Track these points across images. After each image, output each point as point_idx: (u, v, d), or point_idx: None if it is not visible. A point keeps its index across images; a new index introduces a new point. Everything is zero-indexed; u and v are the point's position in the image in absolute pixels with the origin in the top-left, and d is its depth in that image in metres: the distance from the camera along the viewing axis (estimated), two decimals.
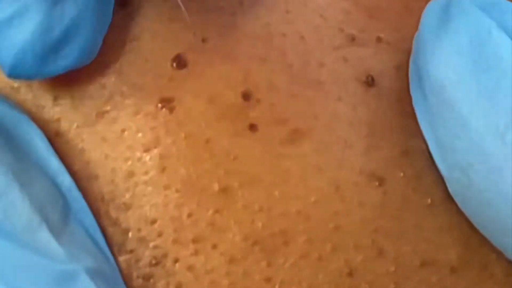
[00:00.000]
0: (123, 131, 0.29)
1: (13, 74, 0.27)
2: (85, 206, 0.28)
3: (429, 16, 0.27)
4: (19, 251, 0.24)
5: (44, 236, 0.24)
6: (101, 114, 0.29)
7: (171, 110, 0.29)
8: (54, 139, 0.29)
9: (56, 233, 0.25)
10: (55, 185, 0.27)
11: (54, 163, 0.27)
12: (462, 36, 0.25)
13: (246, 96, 0.29)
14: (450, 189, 0.28)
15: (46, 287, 0.23)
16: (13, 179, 0.25)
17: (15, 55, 0.26)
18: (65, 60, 0.27)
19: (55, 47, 0.27)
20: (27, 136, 0.27)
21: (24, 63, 0.26)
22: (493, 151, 0.24)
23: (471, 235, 0.29)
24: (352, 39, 0.30)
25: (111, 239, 0.28)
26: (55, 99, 0.29)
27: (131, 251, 0.28)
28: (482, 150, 0.25)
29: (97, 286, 0.24)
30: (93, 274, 0.25)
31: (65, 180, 0.28)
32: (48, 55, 0.27)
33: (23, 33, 0.26)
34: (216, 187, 0.28)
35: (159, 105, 0.29)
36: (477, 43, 0.25)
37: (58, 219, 0.26)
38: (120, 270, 0.28)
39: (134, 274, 0.28)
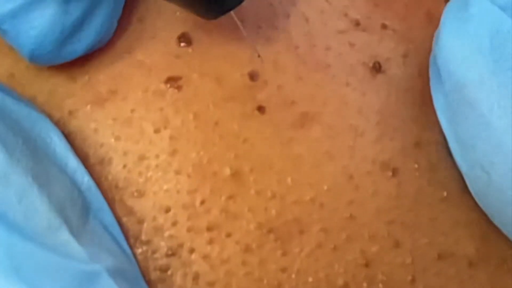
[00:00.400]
0: (132, 111, 0.29)
1: (33, 58, 0.28)
2: (104, 205, 0.28)
3: (449, 16, 0.27)
4: (41, 252, 0.23)
5: (65, 237, 0.24)
6: (110, 93, 0.29)
7: (178, 88, 0.29)
8: (68, 118, 0.29)
9: (76, 233, 0.25)
10: (74, 184, 0.27)
11: (72, 162, 0.27)
12: (482, 36, 0.26)
13: (253, 77, 0.30)
14: (469, 186, 0.28)
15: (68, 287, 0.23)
16: (33, 180, 0.25)
17: (35, 40, 0.27)
18: (83, 43, 0.28)
19: (73, 31, 0.27)
20: (45, 135, 0.27)
21: (43, 47, 0.27)
22: None
23: (489, 230, 0.29)
24: (357, 24, 0.31)
25: (127, 230, 0.28)
26: (68, 79, 0.30)
27: (147, 242, 0.28)
28: (503, 149, 0.25)
29: (118, 285, 0.24)
30: (114, 273, 0.24)
31: (84, 179, 0.27)
32: (66, 39, 0.27)
33: (42, 18, 0.27)
34: (227, 171, 0.28)
35: (167, 84, 0.29)
36: (498, 42, 0.25)
37: (78, 219, 0.26)
38: (138, 263, 0.28)
39: (151, 266, 0.28)
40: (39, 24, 0.27)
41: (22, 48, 0.27)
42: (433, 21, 0.31)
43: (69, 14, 0.27)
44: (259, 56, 0.29)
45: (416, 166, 0.29)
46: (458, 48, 0.26)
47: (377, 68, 0.30)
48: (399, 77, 0.30)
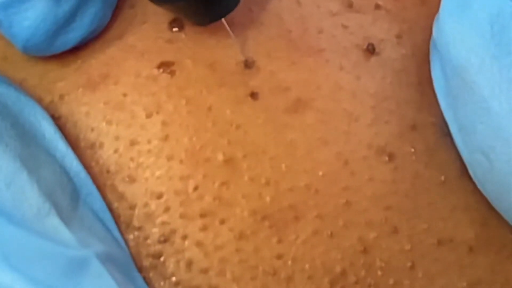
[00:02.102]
0: (124, 95, 0.29)
1: (26, 49, 0.28)
2: (94, 190, 0.27)
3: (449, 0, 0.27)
4: (30, 238, 0.23)
5: (54, 222, 0.24)
6: (102, 78, 0.29)
7: (171, 74, 0.29)
8: (59, 102, 0.29)
9: (66, 218, 0.24)
10: (63, 170, 0.27)
11: (62, 147, 0.27)
12: (483, 20, 0.25)
13: (246, 62, 0.29)
14: (470, 171, 0.27)
15: (57, 274, 0.23)
16: (22, 165, 0.24)
17: (28, 31, 0.27)
18: (76, 34, 0.28)
19: (66, 22, 0.27)
20: (34, 119, 0.27)
21: (36, 38, 0.27)
22: None
23: (489, 215, 0.29)
24: (350, 5, 0.31)
25: (118, 215, 0.28)
26: (60, 63, 0.29)
27: (139, 228, 0.27)
28: (503, 133, 0.25)
29: (108, 270, 0.24)
30: (104, 259, 0.24)
31: (73, 164, 0.27)
32: (59, 29, 0.27)
33: (35, 9, 0.27)
34: (220, 157, 0.28)
35: (160, 69, 0.29)
36: (499, 26, 0.25)
37: (68, 204, 0.26)
38: (129, 249, 0.27)
39: (143, 253, 0.27)
40: (32, 15, 0.27)
41: (15, 39, 0.27)
42: (426, 0, 0.31)
43: (62, 5, 0.27)
44: (246, 61, 0.29)
45: (412, 150, 0.29)
46: (459, 32, 0.26)
47: (370, 50, 0.30)
48: (393, 58, 0.30)
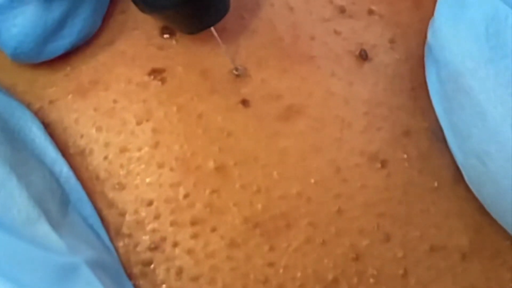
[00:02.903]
0: (115, 101, 0.29)
1: (16, 56, 0.27)
2: (84, 196, 0.27)
3: (444, 3, 0.27)
4: (19, 244, 0.23)
5: (44, 229, 0.24)
6: (92, 84, 0.29)
7: (162, 81, 0.29)
8: (48, 107, 0.29)
9: (55, 224, 0.24)
10: (53, 175, 0.27)
11: (51, 153, 0.27)
12: (478, 24, 0.25)
13: (236, 70, 0.29)
14: (465, 176, 0.27)
15: (47, 280, 0.23)
16: (11, 170, 0.24)
17: (16, 38, 0.27)
18: (65, 41, 0.28)
19: (55, 29, 0.27)
20: (24, 125, 0.27)
21: (25, 45, 0.27)
22: (510, 139, 0.24)
23: (482, 221, 0.28)
24: (342, 10, 0.30)
25: (107, 222, 0.27)
26: (49, 69, 0.29)
27: (129, 235, 0.27)
28: (499, 138, 0.24)
29: (98, 277, 0.24)
30: (94, 265, 0.24)
31: (63, 170, 0.27)
32: (48, 37, 0.27)
33: (24, 16, 0.26)
34: (211, 165, 0.28)
35: (151, 76, 0.29)
36: (494, 30, 0.25)
37: (57, 210, 0.25)
38: (119, 256, 0.27)
39: (133, 260, 0.27)
40: (21, 22, 0.27)
41: (4, 46, 0.27)
42: (420, 4, 0.30)
43: (51, 12, 0.27)
44: (236, 69, 0.29)
45: (405, 156, 0.29)
46: (454, 35, 0.26)
47: (363, 56, 0.30)
48: (386, 63, 0.30)
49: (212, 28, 0.28)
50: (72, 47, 0.28)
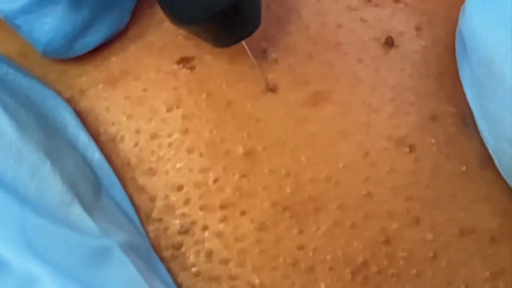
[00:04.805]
0: (145, 90, 0.29)
1: (46, 53, 0.28)
2: (115, 181, 0.28)
3: None
4: (54, 227, 0.23)
5: (77, 212, 0.24)
6: (123, 74, 0.29)
7: (191, 69, 0.29)
8: (79, 96, 0.29)
9: (88, 208, 0.25)
10: (85, 161, 0.27)
11: (83, 139, 0.28)
12: (509, 9, 0.25)
13: (265, 57, 0.29)
14: (495, 160, 0.27)
15: (80, 262, 0.23)
16: (45, 156, 0.25)
17: (47, 35, 0.27)
18: (95, 37, 0.29)
19: (85, 26, 0.28)
20: (56, 112, 0.28)
21: (56, 42, 0.28)
22: None
23: (511, 205, 0.28)
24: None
25: (138, 207, 0.28)
26: (79, 61, 0.30)
27: (159, 220, 0.28)
28: None
29: (131, 259, 0.24)
30: (127, 247, 0.24)
31: (95, 156, 0.28)
32: (78, 33, 0.28)
33: (54, 13, 0.27)
34: (240, 150, 0.28)
35: (180, 65, 0.29)
36: None
37: (90, 194, 0.26)
38: (150, 240, 0.27)
39: (164, 244, 0.27)
40: (52, 20, 0.27)
41: (35, 42, 0.28)
42: None
43: (81, 10, 0.28)
44: (267, 84, 0.29)
45: (433, 141, 0.29)
46: (485, 21, 0.26)
47: (389, 43, 0.30)
48: (413, 50, 0.30)
49: (243, 42, 0.28)
50: (101, 43, 0.29)
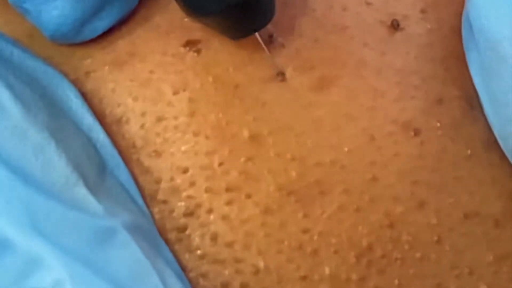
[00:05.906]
0: (151, 72, 0.29)
1: (54, 37, 0.28)
2: (120, 162, 0.28)
3: None
4: (58, 207, 0.23)
5: (82, 192, 0.24)
6: (129, 56, 0.29)
7: (198, 52, 0.29)
8: (85, 78, 0.29)
9: (93, 189, 0.25)
10: (90, 142, 0.27)
11: (88, 120, 0.28)
12: None
13: (271, 41, 0.29)
14: (501, 143, 0.27)
15: (85, 242, 0.23)
16: (50, 136, 0.25)
17: (56, 20, 0.27)
18: (104, 21, 0.29)
19: (95, 10, 0.28)
20: (61, 92, 0.28)
21: (65, 26, 0.28)
22: None
23: None
24: None
25: (143, 189, 0.28)
26: (86, 42, 0.29)
27: (164, 202, 0.28)
28: None
29: (135, 240, 0.24)
30: (131, 228, 0.24)
31: (100, 136, 0.28)
32: (88, 18, 0.28)
33: None
34: (246, 134, 0.28)
35: (186, 47, 0.29)
36: None
37: (95, 175, 0.26)
38: (154, 222, 0.27)
39: (168, 226, 0.28)
40: (61, 5, 0.27)
41: (44, 27, 0.28)
42: None
43: None
44: (278, 74, 0.29)
45: (438, 124, 0.29)
46: (491, 3, 0.26)
47: (395, 26, 0.30)
48: (418, 33, 0.30)
49: (256, 34, 0.28)
50: (109, 27, 0.29)
